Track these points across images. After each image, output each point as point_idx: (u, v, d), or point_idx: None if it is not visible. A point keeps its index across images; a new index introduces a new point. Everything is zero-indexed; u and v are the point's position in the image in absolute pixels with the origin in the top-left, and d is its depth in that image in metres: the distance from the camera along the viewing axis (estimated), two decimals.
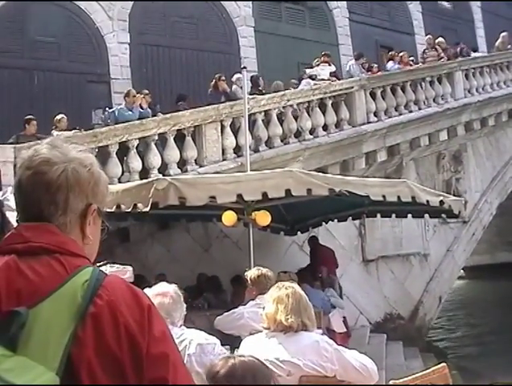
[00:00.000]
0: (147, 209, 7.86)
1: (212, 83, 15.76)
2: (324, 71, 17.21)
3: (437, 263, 17.44)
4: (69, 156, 1.90)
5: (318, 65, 17.66)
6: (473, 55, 21.16)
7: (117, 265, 6.17)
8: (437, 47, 20.31)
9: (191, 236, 13.44)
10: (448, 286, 18.02)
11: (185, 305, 4.87)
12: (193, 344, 4.61)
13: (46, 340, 1.63)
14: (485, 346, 17.15)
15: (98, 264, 1.90)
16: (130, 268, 6.60)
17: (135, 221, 11.29)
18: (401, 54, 19.92)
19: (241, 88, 13.15)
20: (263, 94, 15.03)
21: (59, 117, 13.54)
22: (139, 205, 7.91)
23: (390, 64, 19.64)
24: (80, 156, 1.94)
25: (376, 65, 19.57)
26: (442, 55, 19.89)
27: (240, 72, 14.98)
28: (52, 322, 1.65)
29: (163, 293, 4.58)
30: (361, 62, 18.67)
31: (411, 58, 20.27)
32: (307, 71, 17.41)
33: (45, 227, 1.84)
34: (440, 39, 20.85)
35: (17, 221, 1.92)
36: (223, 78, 15.78)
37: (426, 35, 22.77)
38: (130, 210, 7.99)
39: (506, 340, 16.61)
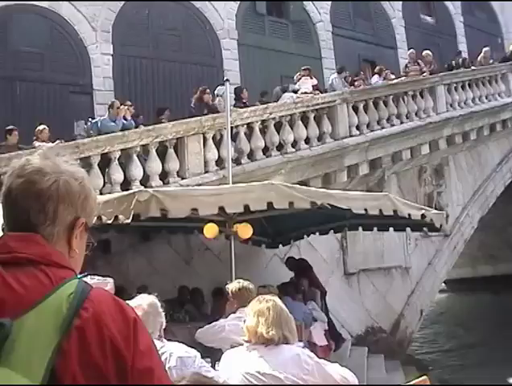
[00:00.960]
0: (129, 221, 7.82)
1: (196, 95, 15.74)
2: (306, 84, 17.24)
3: (418, 276, 17.47)
4: (61, 168, 1.91)
5: (299, 79, 17.71)
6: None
7: (98, 277, 6.11)
8: (419, 61, 20.45)
9: (172, 249, 13.38)
10: (429, 299, 18.06)
11: (164, 318, 4.85)
12: (174, 357, 4.60)
13: (30, 352, 1.62)
14: (466, 359, 17.20)
15: (79, 276, 1.89)
16: (111, 280, 6.53)
17: (117, 233, 11.21)
18: (386, 71, 20.03)
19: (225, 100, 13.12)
20: (247, 106, 15.05)
21: (41, 127, 13.44)
22: (121, 217, 7.86)
23: (374, 78, 19.74)
24: (71, 169, 1.95)
25: (359, 77, 19.60)
26: (424, 69, 20.01)
27: (222, 85, 14.98)
28: (37, 333, 1.64)
29: (134, 307, 4.56)
30: (344, 75, 18.74)
31: (393, 76, 20.34)
32: (290, 87, 17.44)
33: (31, 237, 1.83)
34: (427, 52, 21.00)
35: (2, 230, 1.91)
36: (208, 91, 15.76)
37: (408, 49, 22.90)
38: (111, 221, 7.92)
39: (487, 353, 16.69)
